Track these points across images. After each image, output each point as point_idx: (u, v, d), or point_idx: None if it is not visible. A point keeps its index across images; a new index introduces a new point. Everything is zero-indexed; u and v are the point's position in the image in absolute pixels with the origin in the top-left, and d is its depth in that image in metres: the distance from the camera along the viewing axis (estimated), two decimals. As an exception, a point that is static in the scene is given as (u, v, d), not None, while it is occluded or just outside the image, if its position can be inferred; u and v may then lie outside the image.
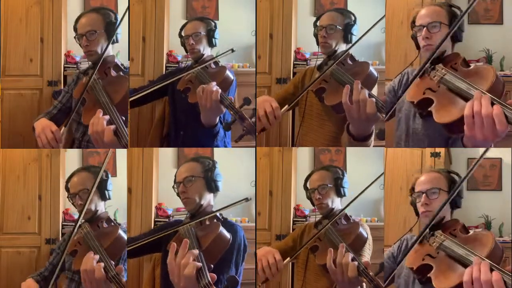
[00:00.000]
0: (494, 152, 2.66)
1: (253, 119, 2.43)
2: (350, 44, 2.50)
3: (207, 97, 2.46)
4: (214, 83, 2.49)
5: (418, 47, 2.33)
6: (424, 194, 2.27)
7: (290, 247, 2.51)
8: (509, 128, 2.05)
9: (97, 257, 2.38)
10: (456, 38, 2.31)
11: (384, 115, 2.29)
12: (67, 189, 2.53)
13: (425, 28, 2.27)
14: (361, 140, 2.37)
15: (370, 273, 2.26)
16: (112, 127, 2.39)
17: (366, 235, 2.42)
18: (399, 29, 2.62)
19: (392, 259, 2.34)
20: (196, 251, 2.29)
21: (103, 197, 2.52)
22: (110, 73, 2.52)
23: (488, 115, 2.03)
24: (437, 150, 2.59)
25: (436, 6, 2.30)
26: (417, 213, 2.31)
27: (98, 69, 2.49)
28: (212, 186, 2.46)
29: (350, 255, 2.30)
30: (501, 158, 2.67)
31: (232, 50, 2.58)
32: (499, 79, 2.14)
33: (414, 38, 2.33)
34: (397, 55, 2.61)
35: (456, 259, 2.13)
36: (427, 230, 2.23)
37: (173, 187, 2.48)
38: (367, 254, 2.40)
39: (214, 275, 2.28)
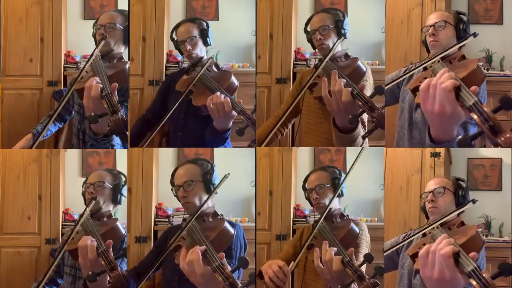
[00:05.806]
0: (494, 152, 2.67)
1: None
2: (347, 41, 2.50)
3: (219, 109, 2.44)
4: (218, 93, 2.46)
5: (428, 51, 2.37)
6: (431, 193, 2.34)
7: (292, 253, 2.50)
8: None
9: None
10: (461, 39, 2.36)
11: (360, 103, 2.30)
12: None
13: (432, 27, 2.35)
14: (346, 132, 2.37)
15: (355, 265, 2.29)
16: (100, 85, 2.36)
17: (357, 231, 2.42)
18: (399, 29, 2.63)
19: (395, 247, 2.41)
20: (202, 247, 2.29)
21: (115, 201, 2.51)
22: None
23: (438, 85, 2.06)
24: (437, 150, 2.59)
25: (445, 11, 2.40)
26: (427, 216, 2.35)
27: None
28: (210, 189, 2.43)
29: (334, 250, 2.32)
30: (501, 158, 2.67)
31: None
32: (479, 71, 2.16)
33: (424, 42, 2.39)
34: (397, 55, 2.62)
35: None
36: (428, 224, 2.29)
37: (171, 189, 2.47)
38: (363, 250, 2.40)
39: (223, 253, 2.27)
